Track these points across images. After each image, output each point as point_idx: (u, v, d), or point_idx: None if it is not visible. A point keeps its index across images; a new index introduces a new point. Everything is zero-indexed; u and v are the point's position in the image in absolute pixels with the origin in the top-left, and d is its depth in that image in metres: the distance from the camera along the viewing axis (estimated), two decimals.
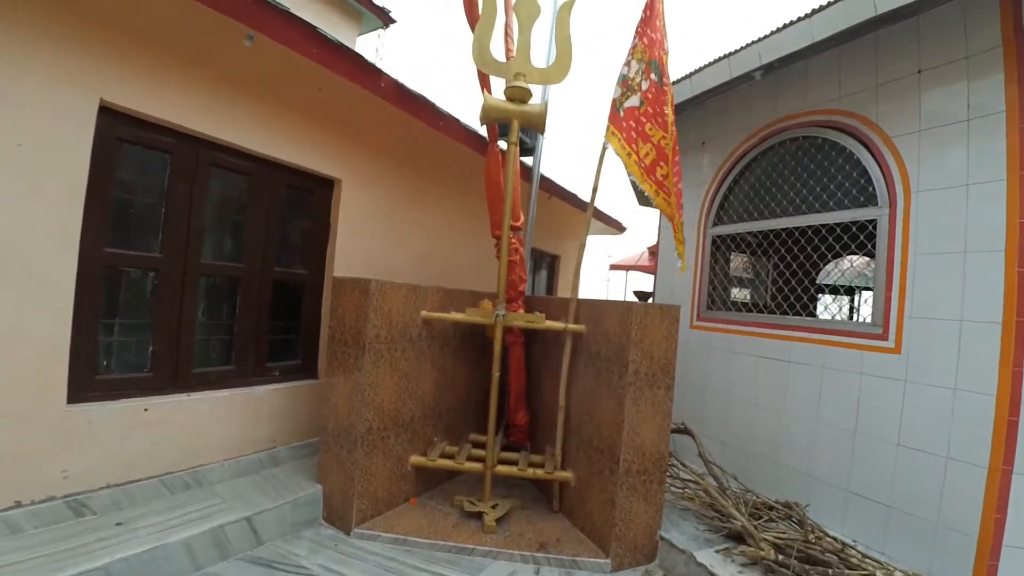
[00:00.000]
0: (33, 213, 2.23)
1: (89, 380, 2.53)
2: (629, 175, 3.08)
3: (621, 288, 18.84)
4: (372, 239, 4.09)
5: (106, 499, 2.52)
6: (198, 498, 2.77)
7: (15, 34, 2.14)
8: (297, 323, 3.67)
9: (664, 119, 2.88)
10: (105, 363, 2.68)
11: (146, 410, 2.71)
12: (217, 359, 3.20)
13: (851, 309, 7.81)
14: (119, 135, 2.58)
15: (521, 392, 3.70)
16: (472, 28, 3.13)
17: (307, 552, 2.70)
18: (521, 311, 3.45)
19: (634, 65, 3.00)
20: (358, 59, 3.28)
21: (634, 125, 2.96)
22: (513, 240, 3.38)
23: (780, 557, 2.52)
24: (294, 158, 3.40)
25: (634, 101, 2.97)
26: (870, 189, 3.28)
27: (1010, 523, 2.44)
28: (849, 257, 4.82)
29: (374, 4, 7.69)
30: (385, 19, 7.99)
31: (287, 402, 3.46)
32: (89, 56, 2.36)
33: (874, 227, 3.23)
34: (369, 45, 9.56)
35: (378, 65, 3.44)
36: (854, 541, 2.92)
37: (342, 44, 3.14)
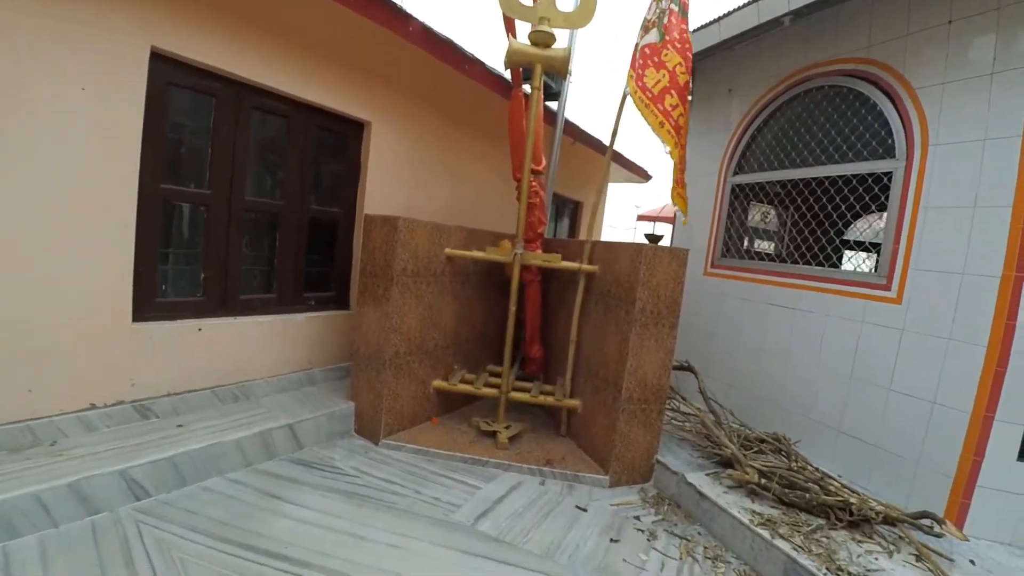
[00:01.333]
0: (98, 152, 2.48)
1: (150, 302, 2.86)
2: (637, 109, 3.01)
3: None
4: (400, 180, 4.29)
5: (167, 405, 2.90)
6: (245, 408, 3.15)
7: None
8: (331, 257, 3.95)
9: (684, 44, 2.88)
10: (163, 288, 3.00)
11: (200, 330, 3.04)
12: (260, 288, 3.52)
13: (875, 265, 7.71)
14: (169, 80, 2.78)
15: (536, 327, 3.96)
16: None
17: (341, 456, 3.08)
18: (540, 252, 3.65)
19: (654, 7, 3.01)
20: (391, 5, 3.37)
21: (649, 54, 2.96)
22: (533, 183, 3.53)
23: (763, 481, 2.78)
24: (327, 101, 3.57)
25: (652, 37, 2.98)
26: (890, 141, 3.29)
27: (987, 465, 2.63)
28: (871, 215, 4.82)
29: None
30: None
31: (322, 329, 3.79)
32: (140, 5, 2.53)
33: (889, 180, 3.27)
34: None
35: (406, 9, 3.52)
36: (839, 475, 3.15)
37: None
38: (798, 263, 3.88)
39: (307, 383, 3.68)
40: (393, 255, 3.12)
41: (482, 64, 4.22)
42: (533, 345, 3.96)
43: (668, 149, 2.96)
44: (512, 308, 3.31)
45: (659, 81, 2.92)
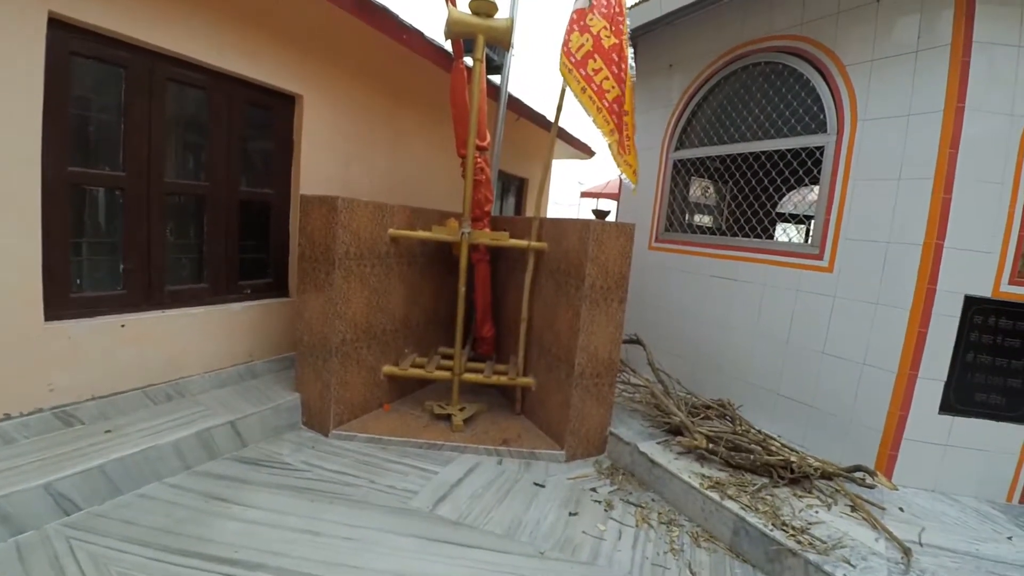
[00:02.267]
0: None
1: (64, 298, 2.58)
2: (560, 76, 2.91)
3: (590, 211, 19.03)
4: (337, 157, 4.07)
5: (93, 410, 2.66)
6: (182, 407, 2.95)
7: None
8: (266, 242, 3.72)
9: (610, 11, 2.82)
10: (79, 282, 2.72)
11: (123, 326, 2.79)
12: (190, 278, 3.27)
13: (805, 237, 8.20)
14: (71, 49, 2.47)
15: (487, 307, 3.92)
16: None
17: (290, 451, 2.95)
18: (487, 230, 3.59)
19: None
20: None
21: (575, 19, 2.89)
22: (479, 160, 3.44)
23: (711, 446, 2.90)
24: (253, 72, 3.30)
25: (581, 2, 2.91)
26: (822, 117, 3.43)
27: (911, 420, 2.85)
28: (807, 187, 5.06)
29: None
30: None
31: (262, 318, 3.59)
32: None
33: (821, 154, 3.41)
34: None
35: None
36: (779, 436, 3.34)
37: None
38: (737, 236, 4.02)
39: (248, 376, 3.49)
40: (334, 238, 2.97)
41: (420, 34, 4.03)
42: (484, 325, 3.93)
43: (591, 117, 2.86)
44: (461, 289, 3.25)
45: (582, 46, 2.84)
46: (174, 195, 3.10)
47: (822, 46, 3.42)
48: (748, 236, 3.96)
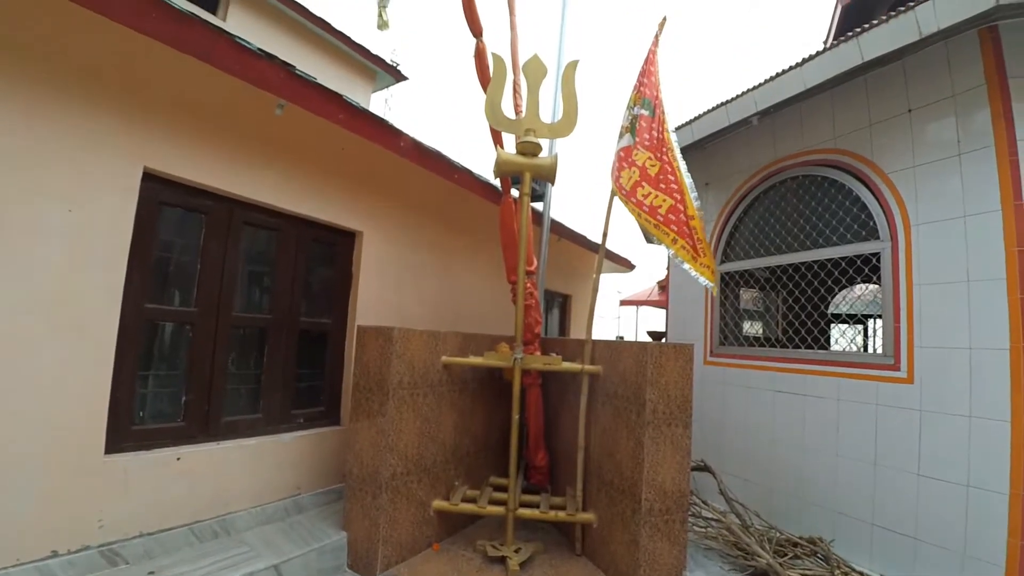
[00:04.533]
0: (82, 273, 2.40)
1: (126, 431, 2.64)
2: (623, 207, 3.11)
3: (632, 323, 18.85)
4: (392, 287, 4.25)
5: (138, 548, 2.58)
6: (226, 546, 2.82)
7: (72, 110, 2.37)
8: (321, 370, 3.79)
9: (652, 142, 3.02)
10: (141, 414, 2.79)
11: (178, 459, 2.80)
12: (246, 408, 3.31)
13: (864, 337, 7.78)
14: (161, 199, 2.79)
15: (540, 433, 3.75)
16: (484, 88, 3.35)
17: None
18: (538, 353, 3.54)
19: (627, 115, 3.19)
20: (379, 121, 3.52)
21: (623, 156, 3.10)
22: (528, 284, 3.51)
23: None
24: (319, 213, 3.60)
25: (625, 141, 3.12)
26: (871, 224, 3.39)
27: None
28: (861, 285, 4.88)
29: (388, 64, 8.15)
30: (398, 76, 8.43)
31: (311, 448, 3.53)
32: (135, 127, 2.59)
33: (878, 260, 3.32)
34: (379, 96, 9.98)
35: (392, 120, 3.68)
36: (882, 575, 2.88)
37: (364, 108, 3.38)
38: (800, 347, 3.83)
39: (295, 511, 3.36)
40: (388, 367, 2.98)
41: (469, 172, 4.37)
42: (537, 452, 3.73)
43: (654, 235, 2.96)
44: (515, 416, 3.14)
45: (631, 178, 3.02)
46: (239, 327, 3.25)
47: (860, 157, 3.49)
48: (811, 347, 3.76)
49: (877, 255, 3.34)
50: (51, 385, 2.31)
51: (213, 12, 6.29)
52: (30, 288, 2.25)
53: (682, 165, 3.02)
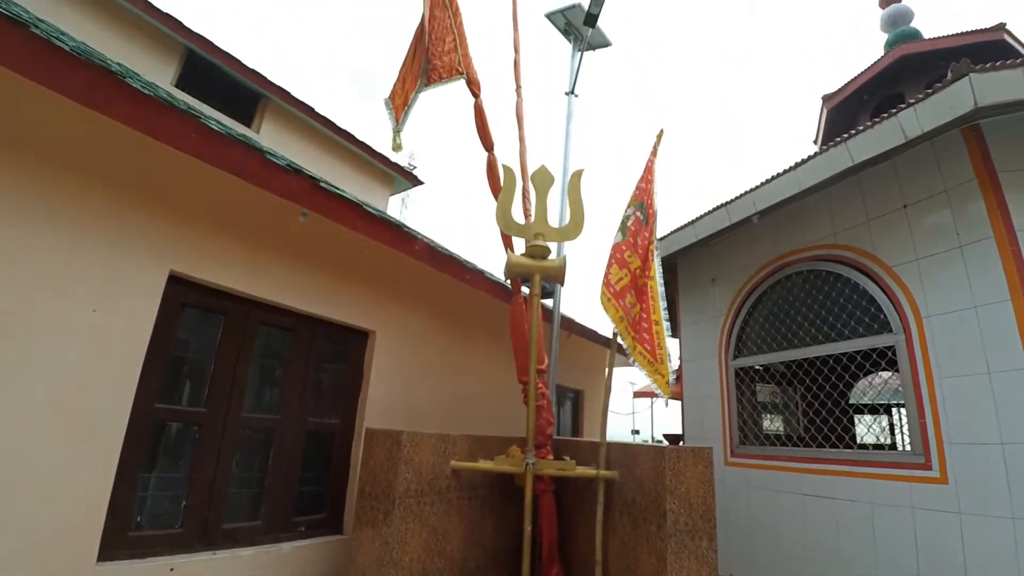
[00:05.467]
0: (99, 372, 2.43)
1: (122, 537, 2.53)
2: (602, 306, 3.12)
3: (647, 416, 18.28)
4: (403, 386, 4.22)
5: None
6: None
7: (107, 216, 2.53)
8: (326, 474, 3.66)
9: (644, 250, 3.07)
10: (139, 518, 2.68)
11: (172, 570, 2.64)
12: (246, 514, 3.17)
13: (892, 432, 7.41)
14: (183, 300, 2.88)
15: (554, 543, 3.51)
16: (495, 196, 3.55)
17: None
18: (550, 456, 3.42)
19: (625, 211, 3.33)
20: (397, 228, 3.70)
21: (613, 252, 3.16)
22: (539, 384, 3.47)
23: None
24: (333, 313, 3.68)
25: (618, 237, 3.21)
26: (881, 316, 3.39)
27: None
28: (883, 372, 4.78)
29: (405, 171, 8.73)
30: (414, 181, 8.99)
31: (311, 559, 3.32)
32: (164, 233, 2.74)
33: (894, 353, 3.27)
34: (396, 197, 10.53)
35: (408, 219, 3.87)
36: None
37: (383, 215, 3.58)
38: (825, 445, 3.66)
39: None
40: (395, 474, 2.88)
41: (481, 273, 4.50)
42: (552, 567, 3.46)
43: (626, 344, 2.96)
44: (527, 528, 2.97)
45: (621, 279, 3.05)
46: (247, 428, 3.20)
47: (862, 251, 3.56)
48: (837, 445, 3.60)
49: (892, 348, 3.29)
50: (54, 485, 2.26)
51: (248, 125, 6.88)
52: (47, 385, 2.27)
53: (658, 269, 3.06)
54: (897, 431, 7.70)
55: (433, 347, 4.62)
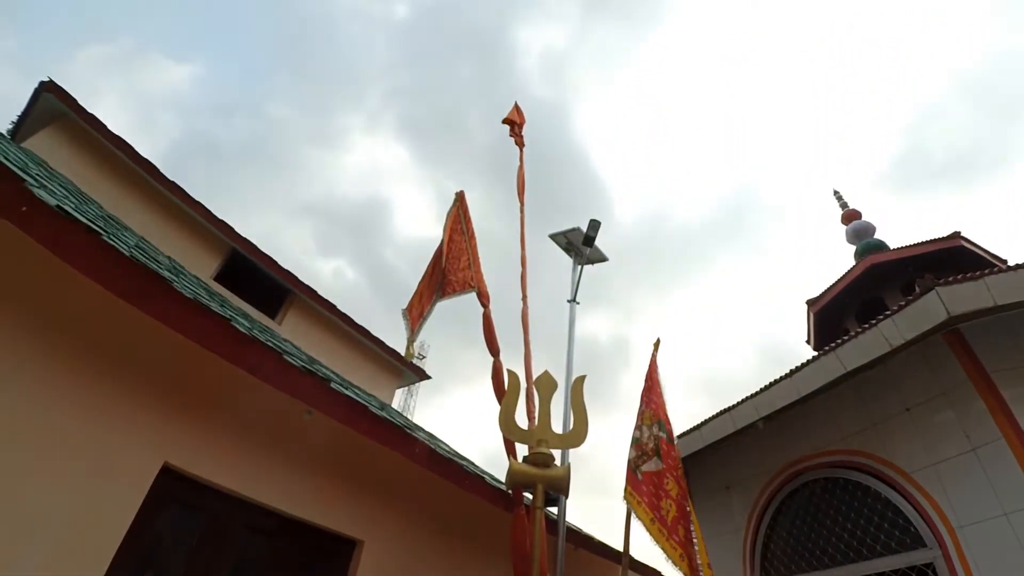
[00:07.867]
0: (65, 565, 2.19)
1: None
2: (652, 540, 2.99)
3: None
4: None
5: None
6: None
7: (112, 398, 2.53)
8: None
9: (677, 473, 3.02)
10: None
11: None
12: None
13: None
14: (169, 493, 2.70)
15: None
16: (499, 400, 3.62)
17: None
18: None
19: (645, 430, 3.33)
20: (399, 430, 3.70)
21: (653, 489, 3.07)
22: None
23: None
24: (320, 518, 3.44)
25: (652, 465, 3.16)
26: (912, 528, 3.15)
27: None
28: None
29: (414, 365, 9.01)
30: (421, 376, 9.19)
31: None
32: (166, 423, 2.69)
33: (934, 571, 2.96)
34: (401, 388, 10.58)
35: (413, 407, 3.86)
36: None
37: (387, 417, 3.61)
38: None
39: None
40: None
41: (482, 479, 4.33)
42: None
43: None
44: None
45: (669, 511, 2.97)
46: None
47: (874, 456, 3.47)
48: None
49: (931, 564, 2.99)
50: None
51: (272, 317, 7.35)
52: None
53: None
54: None
55: (426, 559, 4.20)
